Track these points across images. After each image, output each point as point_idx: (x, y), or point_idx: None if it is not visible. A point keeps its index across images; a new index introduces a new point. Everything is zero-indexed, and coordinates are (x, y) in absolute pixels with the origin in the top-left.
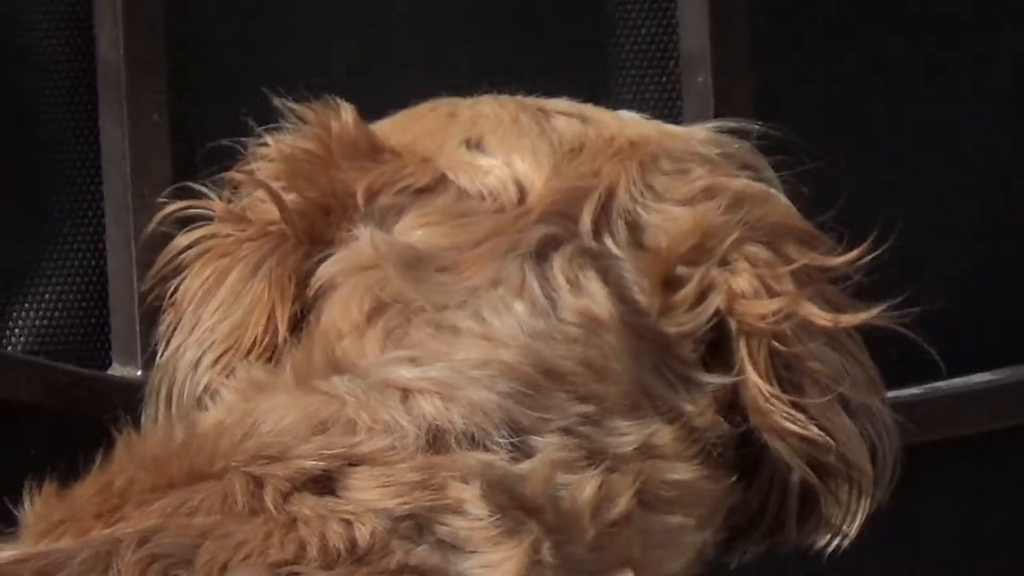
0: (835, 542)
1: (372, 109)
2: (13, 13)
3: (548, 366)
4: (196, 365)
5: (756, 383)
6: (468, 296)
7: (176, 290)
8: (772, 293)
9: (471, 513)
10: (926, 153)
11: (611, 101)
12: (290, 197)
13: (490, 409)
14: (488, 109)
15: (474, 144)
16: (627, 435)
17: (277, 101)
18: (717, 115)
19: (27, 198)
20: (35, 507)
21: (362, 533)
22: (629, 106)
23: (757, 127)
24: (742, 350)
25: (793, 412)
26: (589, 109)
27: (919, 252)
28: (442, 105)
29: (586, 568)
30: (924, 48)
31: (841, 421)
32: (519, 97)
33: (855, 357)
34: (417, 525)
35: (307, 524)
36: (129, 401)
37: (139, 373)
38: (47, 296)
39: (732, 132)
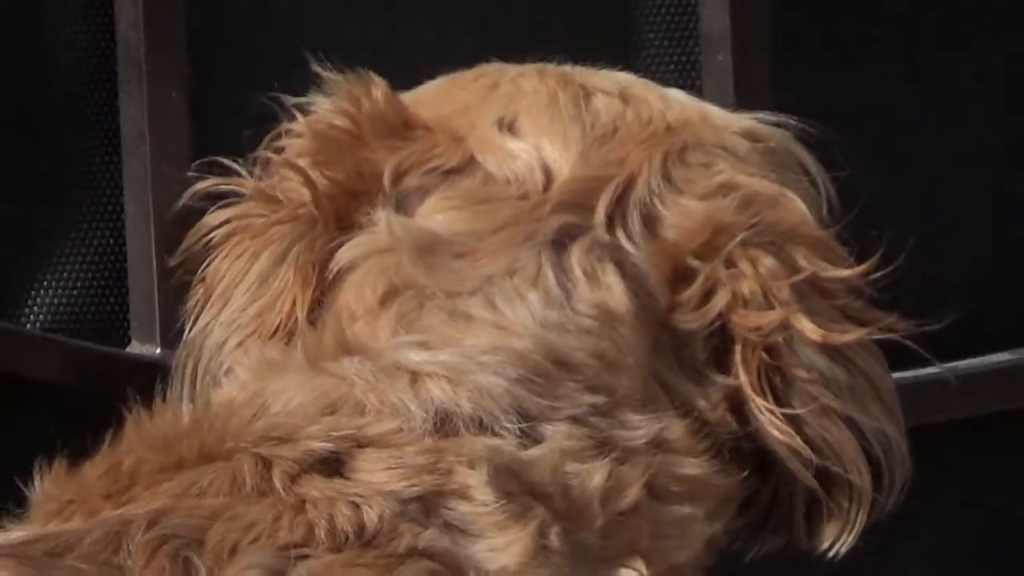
0: (835, 548)
1: (393, 81)
2: None
3: (559, 356)
4: (222, 346)
5: (748, 392)
6: (482, 284)
7: (207, 268)
8: (770, 303)
9: (477, 499)
10: (947, 139)
11: None
12: (318, 178)
13: (498, 394)
14: (529, 85)
15: (507, 125)
16: (638, 428)
17: (314, 68)
18: (736, 95)
19: (46, 176)
20: (44, 487)
21: (370, 516)
22: None
23: (795, 122)
24: (737, 357)
25: (780, 422)
26: (635, 87)
27: (938, 234)
28: (487, 75)
29: (594, 554)
30: (952, 32)
31: (837, 433)
32: (567, 69)
33: (860, 371)
34: (425, 508)
35: (315, 506)
36: (148, 379)
37: (158, 351)
38: (66, 274)
39: (776, 124)
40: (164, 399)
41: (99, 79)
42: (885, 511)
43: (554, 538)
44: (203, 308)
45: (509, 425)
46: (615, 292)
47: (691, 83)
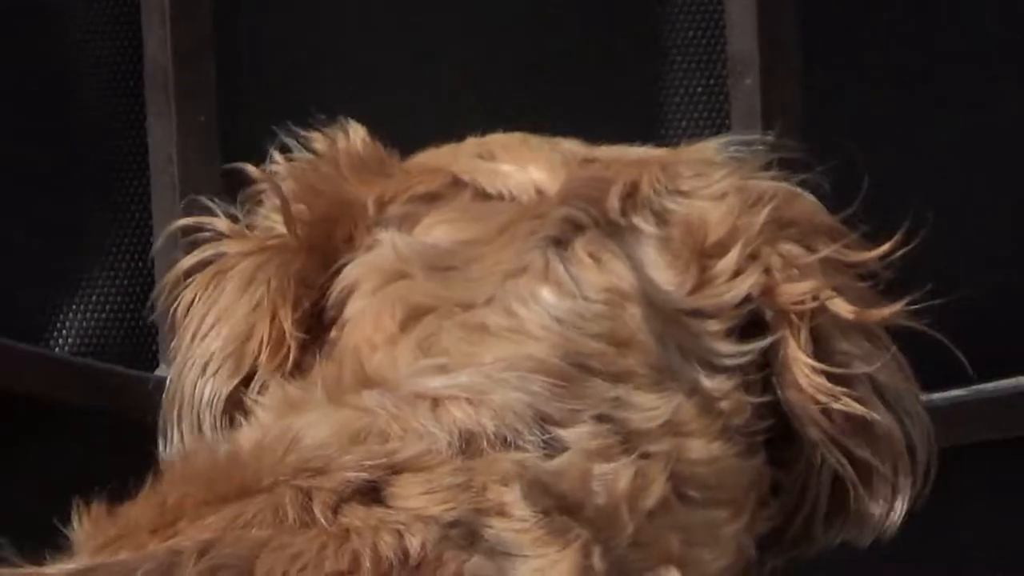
0: (871, 539)
1: (412, 115)
2: (60, 13)
3: (577, 350)
4: (202, 375)
5: (799, 358)
6: (495, 289)
7: (180, 307)
8: (803, 278)
9: (515, 515)
10: (973, 155)
11: (659, 102)
12: (298, 208)
13: (520, 409)
14: (497, 136)
15: (488, 156)
16: (655, 409)
17: (281, 133)
18: (764, 119)
19: (74, 199)
20: (85, 525)
21: (413, 544)
22: (677, 109)
23: (767, 138)
24: (784, 330)
25: (836, 388)
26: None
27: (965, 254)
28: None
29: (631, 567)
30: (977, 51)
31: (879, 411)
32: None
33: (888, 348)
34: (467, 531)
35: (359, 535)
36: None
37: None
38: (94, 297)
39: (743, 144)
40: (158, 435)
41: (127, 102)
42: (919, 493)
43: (597, 558)
44: (180, 345)
45: (532, 438)
46: (621, 272)
47: (719, 106)
